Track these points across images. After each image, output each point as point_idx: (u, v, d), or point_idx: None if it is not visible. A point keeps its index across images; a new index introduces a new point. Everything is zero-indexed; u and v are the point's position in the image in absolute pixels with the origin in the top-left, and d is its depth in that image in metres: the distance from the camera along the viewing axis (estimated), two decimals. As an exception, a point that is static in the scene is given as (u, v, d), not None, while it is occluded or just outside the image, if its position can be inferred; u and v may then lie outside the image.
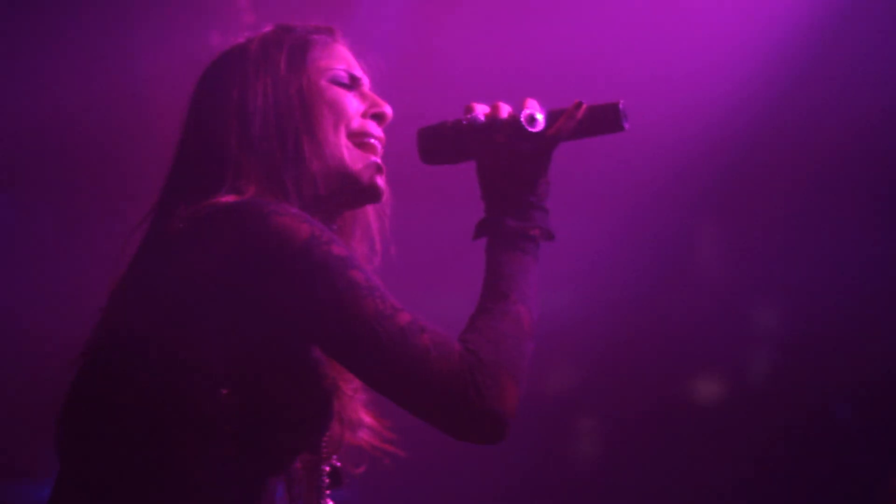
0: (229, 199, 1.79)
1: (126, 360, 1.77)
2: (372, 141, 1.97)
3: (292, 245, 1.70)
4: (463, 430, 1.72)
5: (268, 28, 2.00)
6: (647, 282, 4.86)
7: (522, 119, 1.87)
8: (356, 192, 1.95)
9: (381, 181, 1.97)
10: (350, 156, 1.93)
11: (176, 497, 1.74)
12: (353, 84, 1.98)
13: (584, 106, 1.89)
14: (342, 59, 1.98)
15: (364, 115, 1.97)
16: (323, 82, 1.94)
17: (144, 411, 1.74)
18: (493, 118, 1.89)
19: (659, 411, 4.86)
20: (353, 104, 1.96)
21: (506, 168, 1.87)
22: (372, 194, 1.97)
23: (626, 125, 1.89)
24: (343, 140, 1.93)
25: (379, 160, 1.97)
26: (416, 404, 1.72)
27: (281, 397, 1.78)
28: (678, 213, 4.83)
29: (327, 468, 1.99)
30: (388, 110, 1.97)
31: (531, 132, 1.85)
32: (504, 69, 4.23)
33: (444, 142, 1.90)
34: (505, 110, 1.90)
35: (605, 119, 1.89)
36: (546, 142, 1.87)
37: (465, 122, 1.89)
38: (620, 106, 1.89)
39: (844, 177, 4.78)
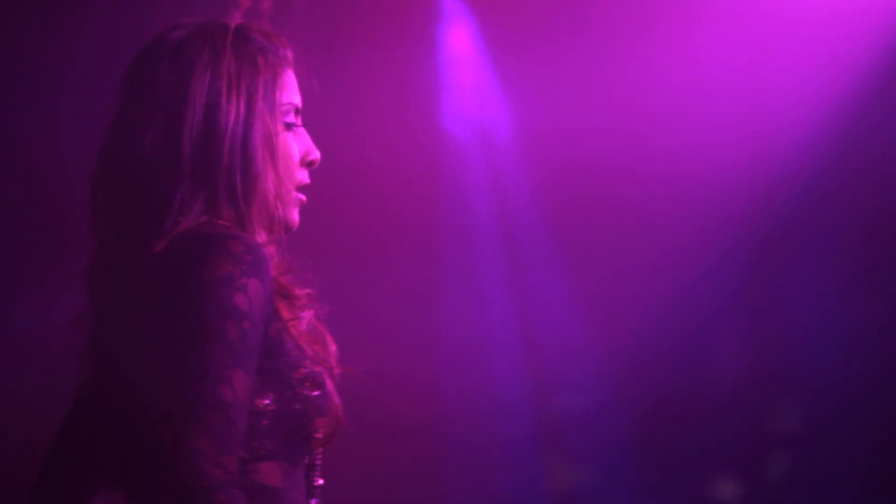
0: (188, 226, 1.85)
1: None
2: (304, 191, 2.04)
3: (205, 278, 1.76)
4: None
5: (231, 27, 1.98)
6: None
7: None
8: (277, 228, 2.00)
9: (298, 219, 2.05)
10: (287, 200, 2.00)
11: None
12: (296, 119, 2.03)
13: None
14: (294, 89, 2.03)
15: (301, 164, 2.03)
16: (280, 126, 1.99)
17: None
18: None
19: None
20: (296, 153, 2.02)
21: None
22: (289, 229, 2.03)
23: None
24: (286, 188, 1.99)
25: (304, 199, 2.04)
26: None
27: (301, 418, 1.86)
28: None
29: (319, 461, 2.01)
30: (318, 157, 2.04)
31: None
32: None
33: None
34: None
35: None
36: None
37: None
38: None
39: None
